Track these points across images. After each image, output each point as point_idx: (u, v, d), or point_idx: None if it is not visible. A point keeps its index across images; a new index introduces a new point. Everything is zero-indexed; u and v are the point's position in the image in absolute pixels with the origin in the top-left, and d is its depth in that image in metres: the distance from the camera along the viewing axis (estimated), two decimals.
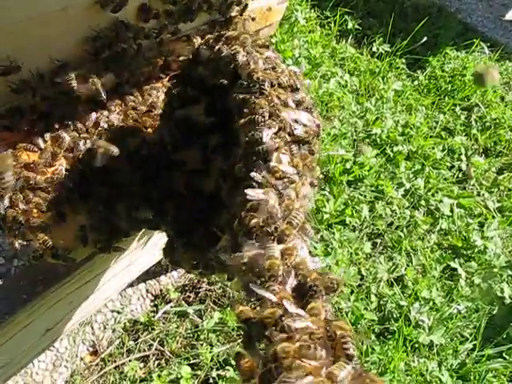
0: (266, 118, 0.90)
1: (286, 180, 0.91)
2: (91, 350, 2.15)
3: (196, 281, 2.39)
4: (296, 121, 0.96)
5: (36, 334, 1.37)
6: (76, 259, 1.13)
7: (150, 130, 1.35)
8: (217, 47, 1.04)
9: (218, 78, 1.03)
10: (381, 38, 3.75)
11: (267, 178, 0.88)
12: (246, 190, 0.87)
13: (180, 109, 1.18)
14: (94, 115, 1.37)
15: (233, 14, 1.45)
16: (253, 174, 0.88)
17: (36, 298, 1.22)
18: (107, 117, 1.42)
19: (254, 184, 0.88)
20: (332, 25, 3.77)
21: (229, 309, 2.30)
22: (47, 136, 1.28)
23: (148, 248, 1.78)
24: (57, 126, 1.29)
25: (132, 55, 1.35)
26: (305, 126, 0.97)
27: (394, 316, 2.42)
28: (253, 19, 1.57)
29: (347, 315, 2.36)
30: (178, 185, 1.23)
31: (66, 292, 1.35)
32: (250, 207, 0.86)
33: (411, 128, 3.32)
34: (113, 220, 1.23)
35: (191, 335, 2.23)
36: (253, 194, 0.86)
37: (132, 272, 1.95)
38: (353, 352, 0.73)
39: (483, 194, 3.21)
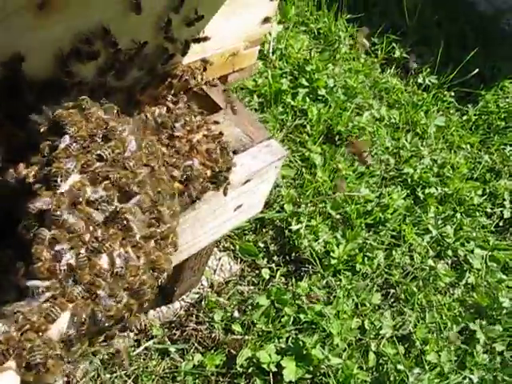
0: None
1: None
2: (65, 379, 2.14)
3: (184, 319, 2.33)
4: None
5: None
6: None
7: None
8: None
9: None
10: (428, 69, 3.51)
11: None
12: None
13: None
14: None
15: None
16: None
17: None
18: None
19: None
20: (378, 52, 3.58)
21: (212, 351, 2.21)
22: None
23: None
24: None
25: None
26: None
27: (391, 379, 2.23)
28: (210, 64, 1.49)
29: (337, 372, 2.19)
30: None
31: None
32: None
33: (449, 168, 3.07)
34: None
35: (168, 375, 2.16)
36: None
37: None
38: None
39: None
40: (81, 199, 1.00)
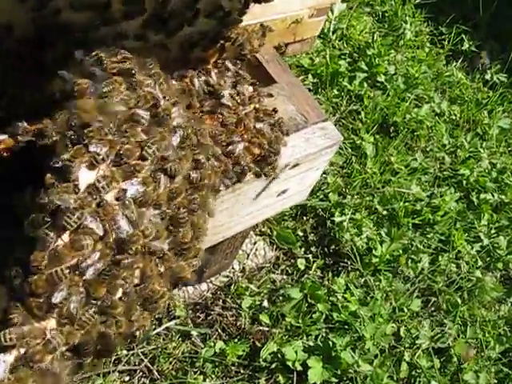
0: None
1: None
2: None
3: (210, 302, 2.21)
4: None
5: None
6: None
7: None
8: None
9: None
10: (498, 66, 3.26)
11: None
12: None
13: None
14: None
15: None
16: None
17: None
18: None
19: None
20: (445, 43, 3.34)
21: (235, 340, 2.10)
22: None
23: None
24: None
25: None
26: None
27: None
28: (270, 30, 1.34)
29: (365, 379, 2.05)
30: None
31: None
32: None
33: (509, 175, 2.84)
34: None
35: (187, 359, 2.06)
36: None
37: None
38: None
39: None
40: (108, 198, 0.82)
